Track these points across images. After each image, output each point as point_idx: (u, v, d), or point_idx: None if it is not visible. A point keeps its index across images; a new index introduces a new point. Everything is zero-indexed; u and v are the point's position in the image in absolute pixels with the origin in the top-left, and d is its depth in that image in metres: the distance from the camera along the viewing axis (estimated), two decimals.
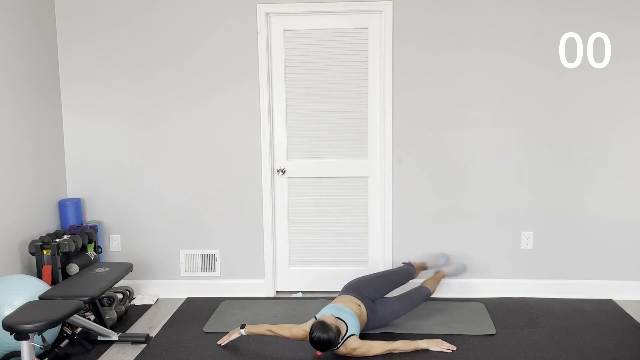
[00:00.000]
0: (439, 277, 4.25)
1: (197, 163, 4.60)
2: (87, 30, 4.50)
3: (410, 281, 4.20)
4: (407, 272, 4.12)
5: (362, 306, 3.77)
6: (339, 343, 3.45)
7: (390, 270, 4.13)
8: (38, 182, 4.28)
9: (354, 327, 3.54)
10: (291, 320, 4.13)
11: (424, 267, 4.35)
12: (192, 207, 4.65)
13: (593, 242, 4.51)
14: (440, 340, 3.68)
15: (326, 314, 3.52)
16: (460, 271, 4.42)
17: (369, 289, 3.90)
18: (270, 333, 3.63)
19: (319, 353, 3.49)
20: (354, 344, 3.47)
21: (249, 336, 3.85)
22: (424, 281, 4.15)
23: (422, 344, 3.62)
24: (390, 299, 3.94)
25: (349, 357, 3.53)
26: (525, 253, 4.56)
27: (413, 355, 3.56)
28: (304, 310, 4.29)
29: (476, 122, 4.44)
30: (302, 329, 3.53)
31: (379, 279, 3.99)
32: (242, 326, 3.71)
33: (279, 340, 3.78)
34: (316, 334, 3.37)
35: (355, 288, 3.89)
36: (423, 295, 4.00)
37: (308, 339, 3.49)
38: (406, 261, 4.46)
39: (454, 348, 3.65)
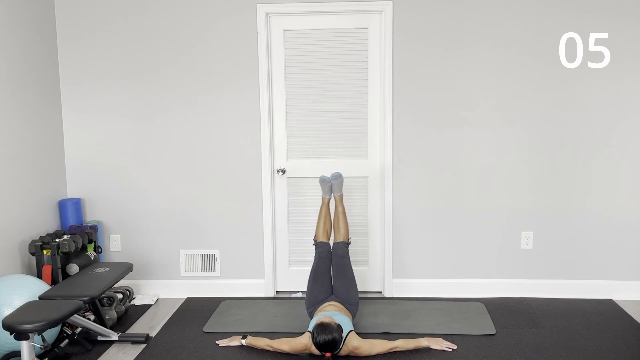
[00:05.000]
0: (341, 212, 4.15)
1: (197, 163, 4.60)
2: (87, 30, 4.50)
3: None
4: (344, 250, 4.02)
5: (338, 303, 3.80)
6: (341, 343, 3.45)
7: (339, 267, 4.02)
8: (38, 182, 4.28)
9: (348, 324, 3.56)
10: (291, 320, 4.13)
11: (339, 199, 4.22)
12: (192, 207, 4.65)
13: (593, 242, 4.51)
14: (441, 338, 3.70)
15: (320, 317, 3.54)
16: (340, 177, 4.19)
17: (330, 289, 3.96)
18: (269, 348, 3.62)
19: (328, 354, 3.48)
20: (354, 342, 3.48)
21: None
22: (336, 239, 4.10)
23: (423, 341, 3.63)
24: (338, 280, 3.93)
25: (351, 357, 3.54)
26: (525, 253, 4.56)
27: (414, 355, 3.56)
28: (304, 310, 4.29)
29: (476, 121, 4.44)
30: (300, 342, 3.54)
31: (336, 280, 3.97)
32: (244, 336, 3.73)
33: None
34: (321, 337, 3.38)
35: (322, 298, 3.91)
36: (346, 250, 3.99)
37: (308, 351, 3.52)
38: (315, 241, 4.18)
39: (455, 347, 3.66)
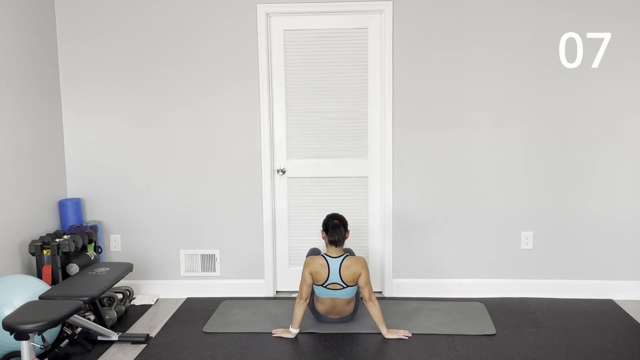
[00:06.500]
0: None
1: (197, 163, 4.60)
2: (87, 30, 4.50)
3: None
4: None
5: None
6: (347, 253, 3.91)
7: None
8: (38, 182, 4.28)
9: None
10: (291, 320, 4.12)
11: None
12: (192, 207, 4.65)
13: (593, 242, 4.51)
14: (395, 329, 3.87)
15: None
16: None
17: None
18: (303, 304, 3.84)
19: (335, 221, 3.90)
20: (358, 257, 3.87)
21: (250, 338, 3.87)
22: None
23: (383, 330, 3.82)
24: None
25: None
26: (525, 253, 4.56)
27: (416, 355, 3.56)
28: None
29: (476, 121, 4.44)
30: (307, 267, 3.82)
31: None
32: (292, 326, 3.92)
33: (279, 343, 3.79)
34: (332, 214, 3.99)
35: None
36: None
37: (315, 269, 3.81)
38: None
39: (409, 334, 3.83)
